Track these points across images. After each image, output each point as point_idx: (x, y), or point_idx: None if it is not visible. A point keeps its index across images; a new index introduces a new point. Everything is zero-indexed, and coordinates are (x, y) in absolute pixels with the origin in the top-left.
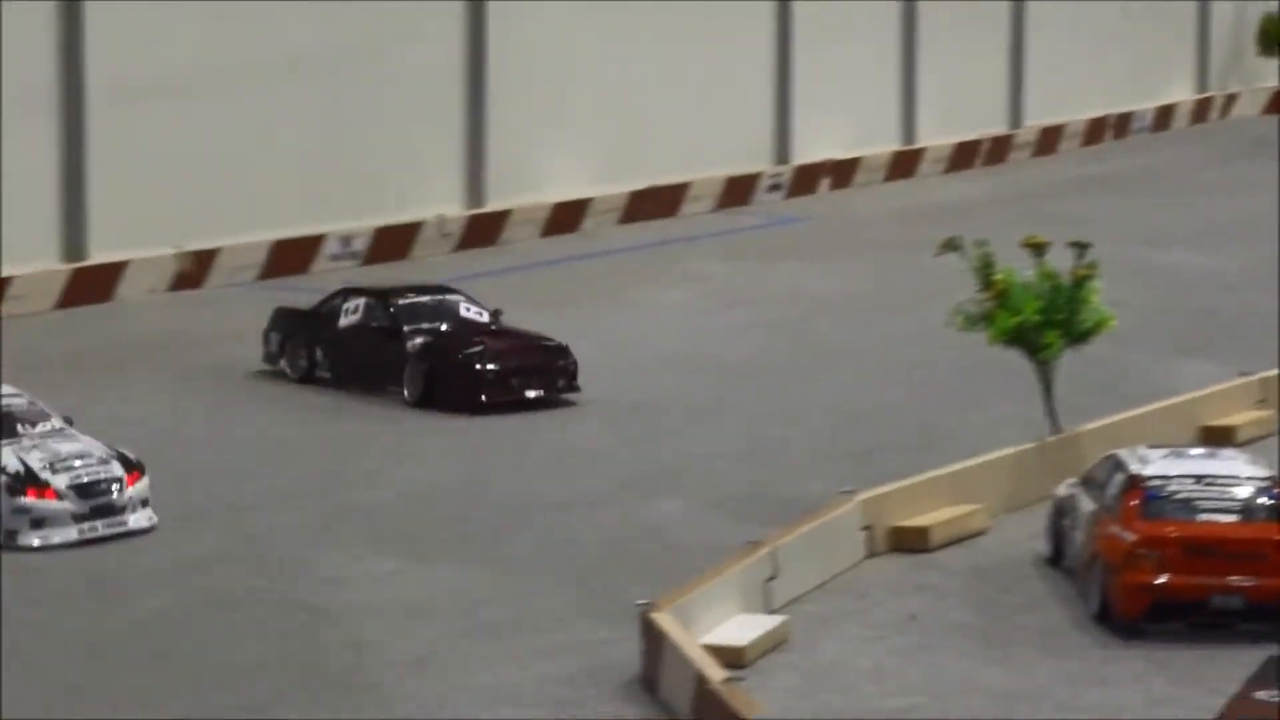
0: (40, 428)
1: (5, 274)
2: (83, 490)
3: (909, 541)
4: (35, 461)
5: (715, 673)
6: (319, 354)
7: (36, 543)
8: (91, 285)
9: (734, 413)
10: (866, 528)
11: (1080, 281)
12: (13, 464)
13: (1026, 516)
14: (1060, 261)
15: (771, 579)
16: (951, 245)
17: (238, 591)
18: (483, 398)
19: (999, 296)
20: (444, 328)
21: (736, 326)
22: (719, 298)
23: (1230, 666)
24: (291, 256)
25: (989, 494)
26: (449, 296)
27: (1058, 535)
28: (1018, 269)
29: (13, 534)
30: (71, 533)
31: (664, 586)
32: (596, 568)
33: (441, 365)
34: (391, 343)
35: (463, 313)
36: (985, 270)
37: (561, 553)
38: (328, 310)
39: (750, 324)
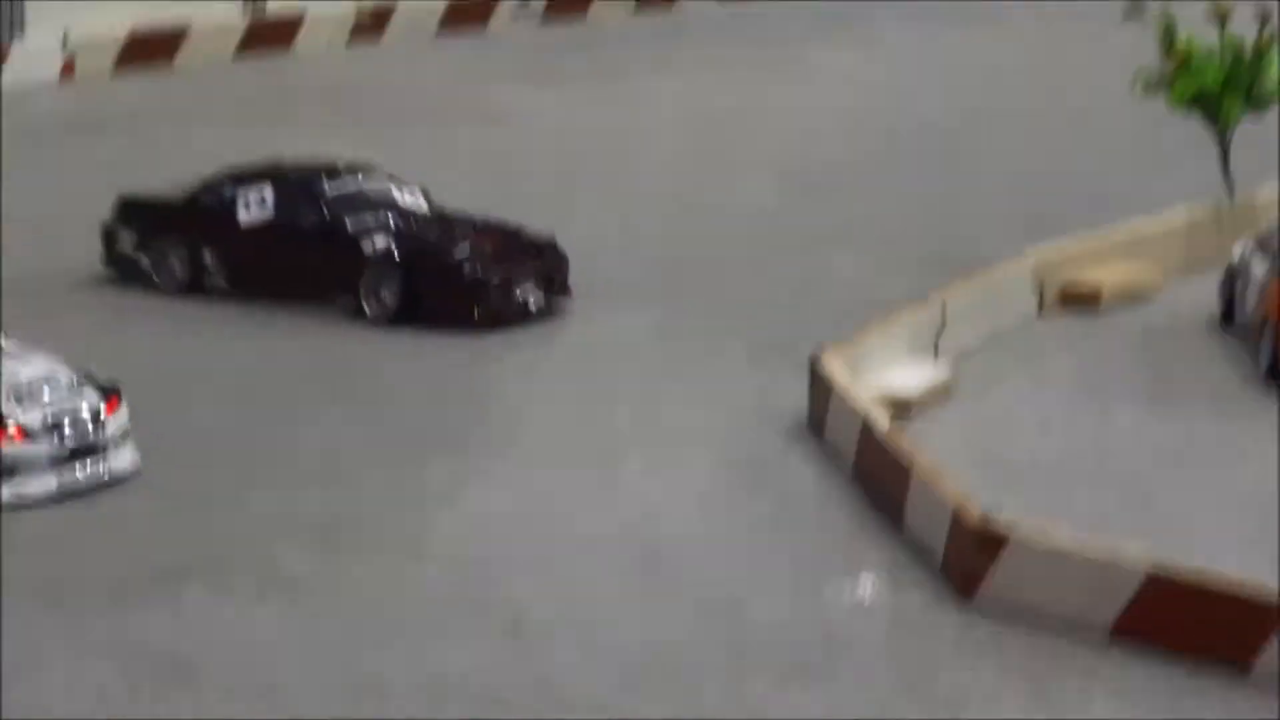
0: None
1: (187, 23)
2: (58, 428)
3: (1080, 299)
4: None
5: (881, 418)
6: (208, 258)
7: (7, 497)
8: (270, 36)
9: (908, 174)
10: (1038, 285)
11: (1263, 50)
12: None
13: (1199, 278)
14: (1243, 31)
15: (942, 331)
16: (1135, 11)
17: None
18: (475, 313)
19: (1181, 63)
20: (392, 221)
21: (911, 90)
22: (893, 62)
23: None
24: (469, 12)
25: (1162, 256)
26: (372, 178)
27: (1229, 296)
28: (1199, 37)
29: None
30: (50, 482)
31: (834, 335)
32: (769, 315)
33: (422, 274)
34: (332, 245)
35: (400, 198)
36: (1168, 36)
37: (736, 300)
38: (213, 202)
39: (925, 88)
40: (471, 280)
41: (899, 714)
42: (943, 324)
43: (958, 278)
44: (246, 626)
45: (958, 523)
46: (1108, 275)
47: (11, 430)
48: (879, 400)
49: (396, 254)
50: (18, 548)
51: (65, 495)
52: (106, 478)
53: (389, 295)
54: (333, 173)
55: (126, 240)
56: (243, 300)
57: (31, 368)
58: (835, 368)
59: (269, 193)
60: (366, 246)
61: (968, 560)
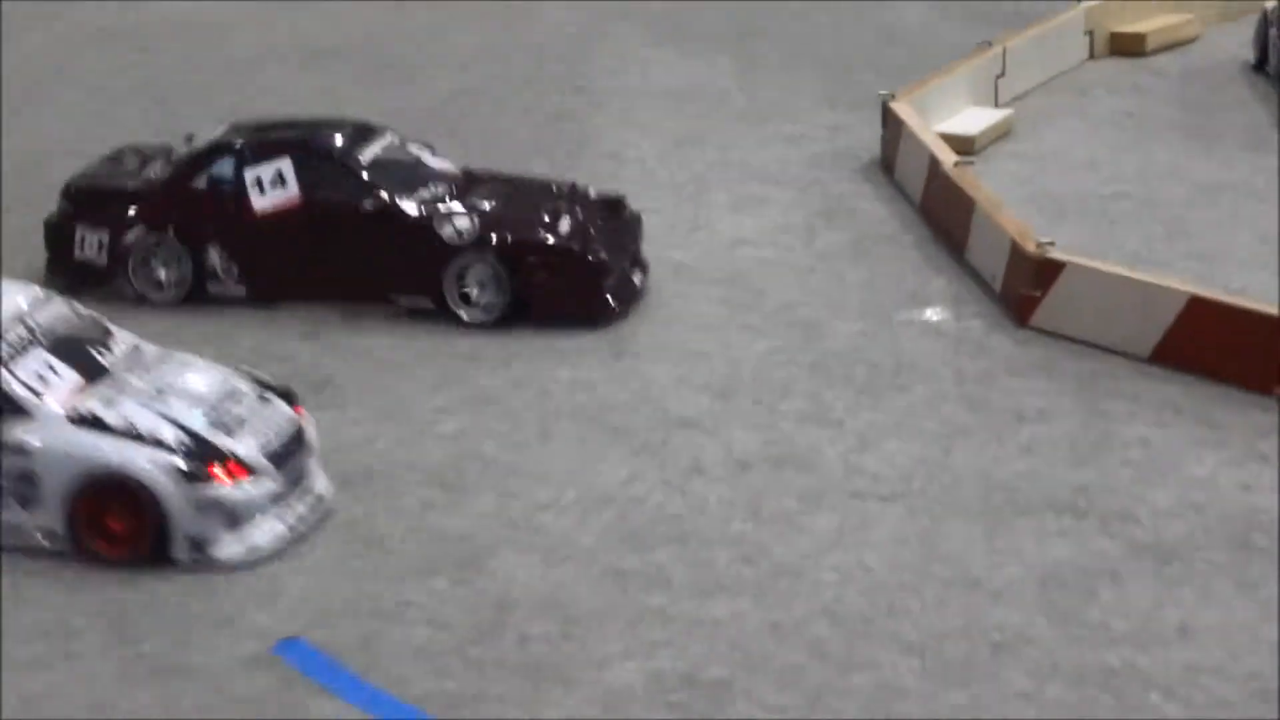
0: (120, 350)
1: None
2: (278, 455)
3: (1127, 46)
4: (192, 418)
5: (947, 157)
6: (213, 257)
7: (242, 553)
8: None
9: None
10: (1089, 32)
11: None
12: (162, 429)
13: (1236, 26)
14: None
15: (1001, 76)
16: None
17: (521, 77)
18: (601, 305)
19: None
20: (447, 194)
21: None
22: None
23: None
24: None
25: (1202, 6)
26: (391, 137)
27: (1263, 43)
28: None
29: (200, 544)
30: (278, 527)
31: (903, 81)
32: (841, 63)
33: (523, 263)
34: (394, 231)
35: (431, 163)
36: None
37: (808, 49)
38: (210, 184)
39: None
40: (596, 264)
41: (963, 425)
42: (1003, 70)
43: (1017, 27)
44: (376, 352)
45: (1015, 252)
46: (1152, 23)
47: (230, 467)
48: (945, 140)
49: (492, 239)
50: None
51: (295, 539)
52: (322, 511)
53: (487, 292)
54: (357, 136)
55: (89, 241)
56: (267, 306)
57: (204, 376)
58: (905, 111)
59: (288, 168)
60: (446, 231)
61: (1024, 287)
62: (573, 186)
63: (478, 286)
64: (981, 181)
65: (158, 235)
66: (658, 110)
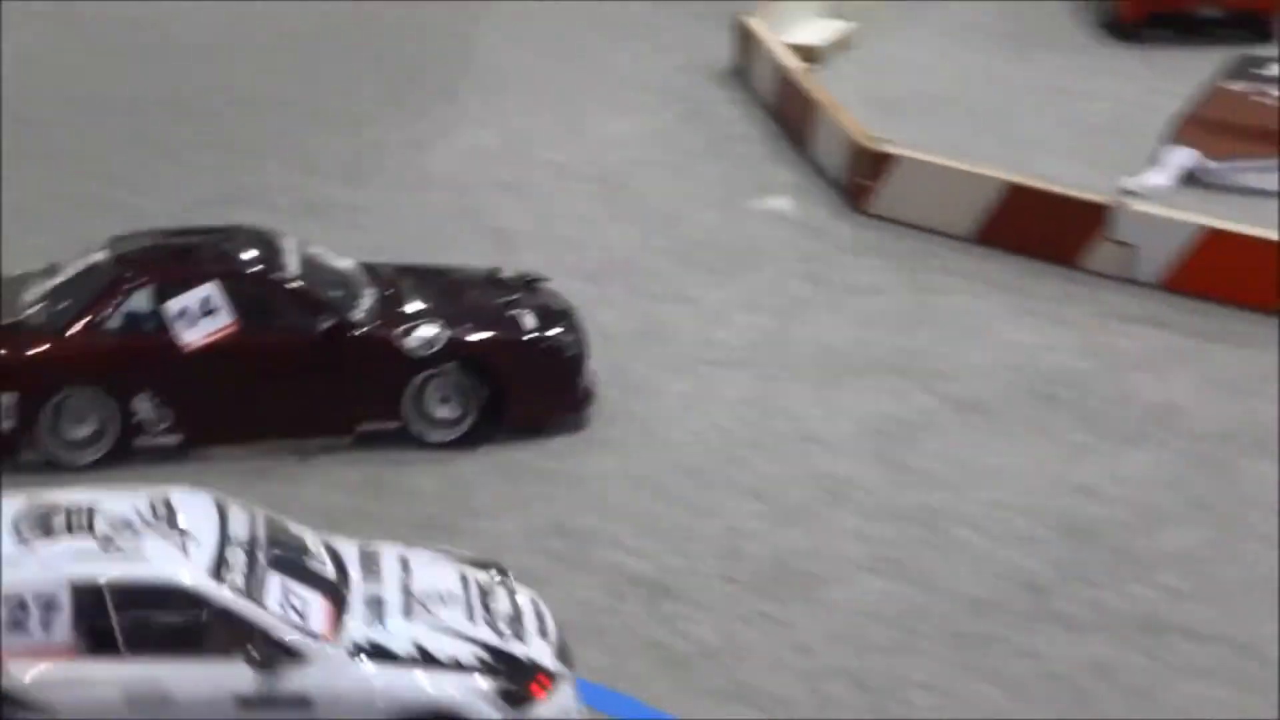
0: (320, 553)
1: None
2: (561, 650)
3: None
4: (474, 628)
5: (794, 65)
6: (145, 404)
7: None
8: None
9: None
10: None
11: None
12: (455, 648)
13: None
14: None
15: None
16: None
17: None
18: (577, 398)
19: None
20: (377, 299)
21: None
22: None
23: (1208, 64)
24: None
25: None
26: (291, 242)
27: None
28: None
29: None
30: None
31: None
32: None
33: (498, 366)
34: (347, 350)
35: (340, 265)
36: None
37: None
38: (126, 322)
39: None
40: (572, 358)
41: (804, 299)
42: None
43: None
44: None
45: (854, 148)
46: None
47: (541, 680)
48: (793, 50)
49: (461, 345)
50: None
51: None
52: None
53: (451, 405)
54: (269, 245)
55: None
56: (201, 455)
57: (433, 571)
58: (757, 25)
59: (215, 292)
60: (410, 343)
61: (861, 178)
62: (489, 273)
63: (440, 400)
64: (825, 86)
65: (71, 389)
66: (537, 28)
